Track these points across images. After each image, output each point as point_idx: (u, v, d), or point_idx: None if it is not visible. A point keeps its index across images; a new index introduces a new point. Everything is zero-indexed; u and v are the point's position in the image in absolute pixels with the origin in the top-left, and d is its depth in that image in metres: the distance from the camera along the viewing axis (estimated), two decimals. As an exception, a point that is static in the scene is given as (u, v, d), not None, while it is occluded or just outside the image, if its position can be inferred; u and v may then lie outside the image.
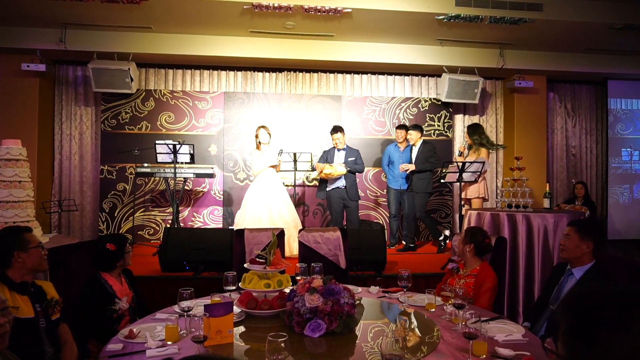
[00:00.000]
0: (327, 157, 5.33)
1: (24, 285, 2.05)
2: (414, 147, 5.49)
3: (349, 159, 5.25)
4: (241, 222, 4.90)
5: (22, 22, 5.33)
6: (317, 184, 5.52)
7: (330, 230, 4.20)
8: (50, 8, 4.88)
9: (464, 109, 6.84)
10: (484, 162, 4.90)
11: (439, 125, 6.59)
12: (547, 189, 4.45)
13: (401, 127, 5.61)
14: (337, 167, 5.12)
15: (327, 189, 5.24)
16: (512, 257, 3.79)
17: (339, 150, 5.32)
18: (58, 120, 6.15)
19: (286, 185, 6.17)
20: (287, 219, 4.92)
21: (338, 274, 3.70)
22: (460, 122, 6.82)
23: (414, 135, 5.42)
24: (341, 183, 5.23)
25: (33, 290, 2.10)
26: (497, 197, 6.28)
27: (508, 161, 6.71)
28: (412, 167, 5.31)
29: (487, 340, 1.78)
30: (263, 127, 5.15)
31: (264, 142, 5.10)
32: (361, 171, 5.38)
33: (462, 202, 5.21)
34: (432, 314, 2.26)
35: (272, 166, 5.09)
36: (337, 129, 5.31)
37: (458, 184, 5.04)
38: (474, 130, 5.43)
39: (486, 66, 6.20)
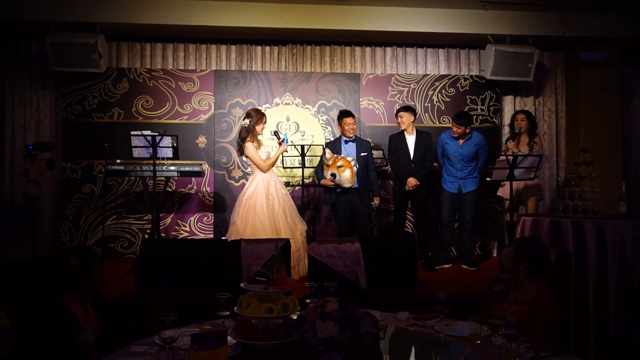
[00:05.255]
0: (332, 151, 5.28)
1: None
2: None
3: (361, 154, 5.21)
4: (244, 231, 4.80)
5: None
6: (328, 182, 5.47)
7: (348, 241, 4.18)
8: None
9: (514, 88, 6.76)
10: (541, 155, 4.84)
11: (482, 110, 6.53)
12: (624, 188, 4.38)
13: (462, 117, 5.39)
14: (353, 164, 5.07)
15: (338, 191, 5.19)
16: (579, 277, 3.72)
17: (347, 141, 5.29)
18: (9, 106, 6.20)
19: (292, 185, 6.17)
20: (301, 228, 4.94)
21: (357, 296, 3.67)
22: (510, 105, 6.75)
23: (405, 118, 5.40)
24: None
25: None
26: (558, 200, 6.19)
27: (572, 154, 6.62)
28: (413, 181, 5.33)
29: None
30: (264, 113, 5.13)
31: (259, 133, 5.08)
32: (376, 178, 5.35)
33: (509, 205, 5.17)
34: (476, 347, 2.24)
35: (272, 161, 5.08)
36: (347, 113, 5.30)
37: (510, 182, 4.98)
38: (532, 117, 5.62)
39: (543, 34, 6.12)
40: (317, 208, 6.30)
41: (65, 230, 6.08)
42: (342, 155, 5.17)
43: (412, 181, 5.30)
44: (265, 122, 5.07)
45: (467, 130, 5.38)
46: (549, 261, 2.85)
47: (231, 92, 6.31)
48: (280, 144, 5.13)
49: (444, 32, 6.12)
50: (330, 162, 5.08)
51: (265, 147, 5.13)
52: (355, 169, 5.03)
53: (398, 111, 5.48)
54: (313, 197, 6.31)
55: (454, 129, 5.38)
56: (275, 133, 5.23)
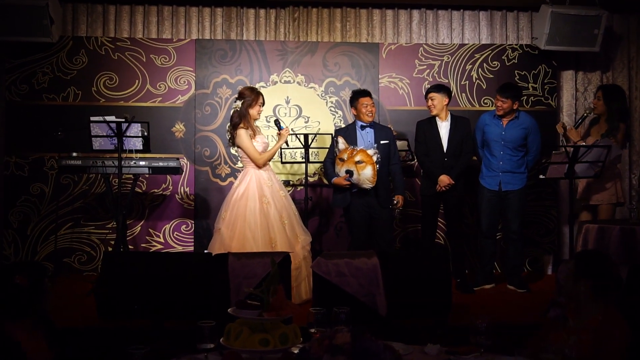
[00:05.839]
0: (346, 140, 5.25)
1: None
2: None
3: (381, 142, 5.19)
4: (230, 242, 4.83)
5: None
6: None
7: (363, 255, 4.18)
8: None
9: (576, 61, 6.73)
10: (609, 147, 4.82)
11: (535, 88, 6.50)
12: None
13: (508, 88, 5.41)
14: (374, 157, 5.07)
15: (353, 191, 5.18)
16: (657, 299, 3.71)
17: (363, 127, 5.27)
18: (-60, 86, 6.25)
19: (293, 185, 6.17)
20: (303, 240, 4.94)
21: (375, 324, 3.68)
22: (570, 83, 6.72)
23: (437, 101, 5.37)
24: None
25: None
26: (631, 202, 6.17)
27: (648, 145, 6.59)
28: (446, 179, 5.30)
29: None
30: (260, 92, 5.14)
31: (256, 118, 5.09)
32: (399, 172, 5.36)
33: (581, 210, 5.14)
34: (526, 389, 2.23)
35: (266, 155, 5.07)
36: (364, 92, 5.30)
37: (575, 181, 4.95)
38: (615, 95, 5.38)
39: (613, -8, 6.12)
40: (324, 214, 6.30)
41: (9, 240, 6.10)
42: (359, 146, 5.14)
43: (444, 179, 5.28)
44: (263, 104, 5.09)
45: (515, 107, 5.36)
46: (619, 279, 2.84)
47: (216, 68, 6.31)
48: (280, 134, 5.13)
49: (486, -10, 6.12)
50: (345, 156, 5.04)
51: (262, 136, 5.12)
52: (377, 166, 5.01)
53: (428, 91, 5.45)
54: (319, 200, 6.31)
55: (498, 104, 5.35)
56: (276, 122, 5.20)
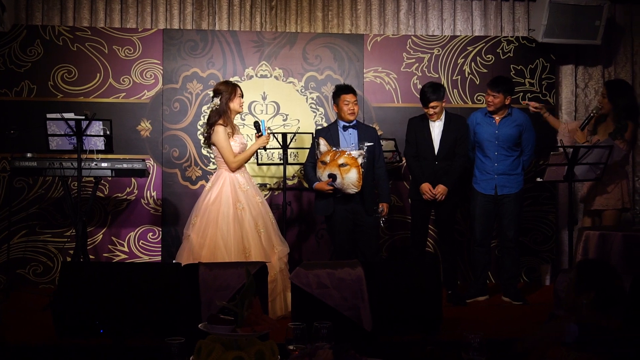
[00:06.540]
0: (328, 141, 5.24)
1: None
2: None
3: (366, 144, 5.19)
4: (200, 250, 4.80)
5: None
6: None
7: (346, 265, 4.18)
8: None
9: (576, 54, 6.80)
10: (611, 147, 4.85)
11: (532, 84, 6.55)
12: None
13: (499, 82, 5.42)
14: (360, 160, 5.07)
15: (337, 196, 5.17)
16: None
17: (346, 127, 5.26)
18: None
19: (270, 189, 6.16)
20: (280, 251, 4.89)
21: (360, 340, 3.68)
22: (570, 78, 6.79)
23: (438, 108, 5.32)
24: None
25: None
26: (634, 207, 6.23)
27: (653, 146, 6.66)
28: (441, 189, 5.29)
29: None
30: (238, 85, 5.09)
31: (239, 111, 5.08)
32: (384, 177, 5.36)
33: (582, 215, 5.14)
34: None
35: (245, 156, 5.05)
36: (347, 88, 5.28)
37: (578, 184, 4.99)
38: (620, 91, 5.39)
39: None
40: (304, 220, 6.30)
41: (-44, 250, 6.04)
42: (341, 147, 5.14)
43: (426, 188, 5.29)
44: (243, 96, 5.07)
45: (507, 102, 5.38)
46: (622, 291, 2.86)
47: (186, 60, 6.29)
48: (258, 136, 5.10)
49: (478, -22, 6.17)
50: (327, 159, 5.03)
51: (240, 136, 5.08)
52: (363, 169, 5.00)
53: (429, 100, 5.30)
54: (299, 205, 6.31)
55: (489, 99, 5.38)
56: (256, 124, 5.14)
